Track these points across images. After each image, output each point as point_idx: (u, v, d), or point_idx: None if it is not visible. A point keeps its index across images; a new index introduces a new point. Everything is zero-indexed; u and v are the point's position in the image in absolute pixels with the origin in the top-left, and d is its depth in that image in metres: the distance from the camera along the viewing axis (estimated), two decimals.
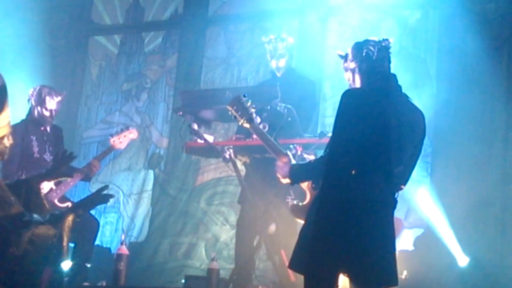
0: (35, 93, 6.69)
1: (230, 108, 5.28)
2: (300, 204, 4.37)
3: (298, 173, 4.27)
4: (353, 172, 3.88)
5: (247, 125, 5.24)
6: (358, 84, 4.14)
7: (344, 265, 3.87)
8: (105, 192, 4.16)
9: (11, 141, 3.93)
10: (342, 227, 3.86)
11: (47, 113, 6.68)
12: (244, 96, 5.32)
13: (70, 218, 3.97)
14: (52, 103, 6.68)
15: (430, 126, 4.20)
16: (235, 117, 5.29)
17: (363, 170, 3.89)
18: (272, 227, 6.05)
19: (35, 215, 3.88)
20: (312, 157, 5.84)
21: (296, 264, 4.01)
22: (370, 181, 3.90)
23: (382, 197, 3.95)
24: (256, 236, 6.05)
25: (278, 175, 4.42)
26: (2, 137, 3.84)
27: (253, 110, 5.25)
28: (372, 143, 3.90)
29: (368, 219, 3.89)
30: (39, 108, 6.67)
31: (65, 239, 3.84)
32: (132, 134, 6.96)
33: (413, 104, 4.14)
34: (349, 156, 3.88)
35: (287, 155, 4.45)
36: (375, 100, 3.96)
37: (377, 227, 3.92)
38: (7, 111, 3.84)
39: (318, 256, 3.87)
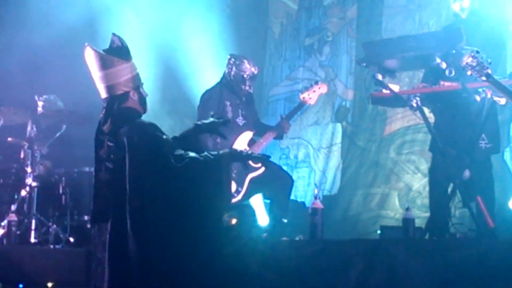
0: (233, 59, 6.86)
1: (466, 64, 5.18)
2: None
3: None
4: None
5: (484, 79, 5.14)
6: None
7: None
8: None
9: (145, 94, 4.11)
10: None
11: (242, 78, 6.78)
12: (477, 52, 5.20)
13: None
14: (249, 69, 6.80)
15: None
16: (471, 72, 5.18)
17: None
18: (466, 173, 5.93)
19: None
20: (503, 100, 5.66)
21: None
22: None
23: None
24: (450, 183, 5.95)
25: None
26: (139, 86, 4.04)
27: (488, 65, 5.14)
28: None
29: None
30: (235, 72, 6.80)
31: None
32: (322, 89, 7.01)
33: None
34: None
35: None
36: None
37: None
38: (132, 63, 4.02)
39: None
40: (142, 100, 4.09)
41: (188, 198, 3.80)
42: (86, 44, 4.03)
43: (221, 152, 3.97)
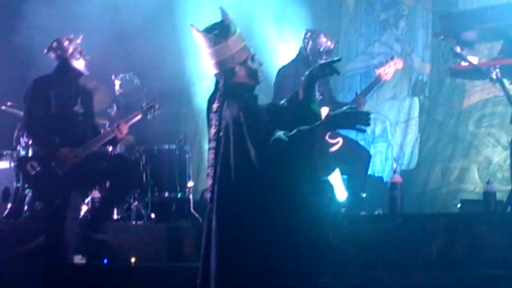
0: (309, 33, 6.87)
1: None
2: None
3: None
4: None
5: None
6: None
7: None
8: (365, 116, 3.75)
9: (258, 64, 4.03)
10: None
11: (318, 51, 6.77)
12: None
13: None
14: (325, 42, 6.80)
15: None
16: None
17: None
18: None
19: None
20: None
21: None
22: None
23: None
24: None
25: None
26: (245, 60, 3.97)
27: None
28: None
29: None
30: (312, 46, 6.81)
31: None
32: (397, 64, 6.95)
33: None
34: None
35: None
36: None
37: None
38: (234, 39, 3.92)
39: None
40: (251, 72, 3.98)
41: (274, 178, 3.76)
42: (190, 24, 4.04)
43: (312, 126, 3.85)
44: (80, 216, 7.05)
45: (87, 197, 7.09)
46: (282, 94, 6.47)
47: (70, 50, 6.29)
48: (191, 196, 7.70)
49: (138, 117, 6.58)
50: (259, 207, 3.73)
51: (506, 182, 7.05)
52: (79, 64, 6.32)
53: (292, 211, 3.74)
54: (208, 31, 3.97)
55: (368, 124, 3.72)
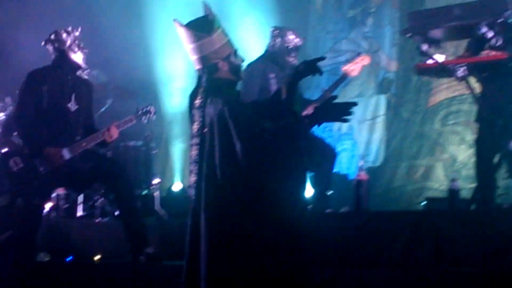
0: (277, 31, 6.83)
1: None
2: None
3: None
4: None
5: None
6: None
7: None
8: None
9: (241, 60, 4.00)
10: None
11: (286, 49, 6.75)
12: None
13: None
14: (293, 40, 6.77)
15: None
16: None
17: None
18: None
19: None
20: None
21: None
22: None
23: None
24: (496, 153, 5.90)
25: None
26: (229, 55, 3.95)
27: None
28: None
29: None
30: (279, 43, 6.77)
31: None
32: (364, 60, 6.95)
33: None
34: None
35: None
36: None
37: None
38: (218, 34, 3.90)
39: None
40: (234, 68, 3.95)
41: (261, 172, 3.70)
42: (174, 19, 3.99)
43: (298, 119, 3.79)
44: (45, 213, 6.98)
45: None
46: (250, 91, 6.45)
47: (68, 43, 6.10)
48: (156, 193, 7.65)
49: (131, 122, 6.40)
50: (246, 204, 3.68)
51: (471, 180, 7.09)
52: (77, 57, 6.14)
53: (280, 207, 3.69)
54: (191, 26, 3.93)
55: (351, 114, 3.68)
